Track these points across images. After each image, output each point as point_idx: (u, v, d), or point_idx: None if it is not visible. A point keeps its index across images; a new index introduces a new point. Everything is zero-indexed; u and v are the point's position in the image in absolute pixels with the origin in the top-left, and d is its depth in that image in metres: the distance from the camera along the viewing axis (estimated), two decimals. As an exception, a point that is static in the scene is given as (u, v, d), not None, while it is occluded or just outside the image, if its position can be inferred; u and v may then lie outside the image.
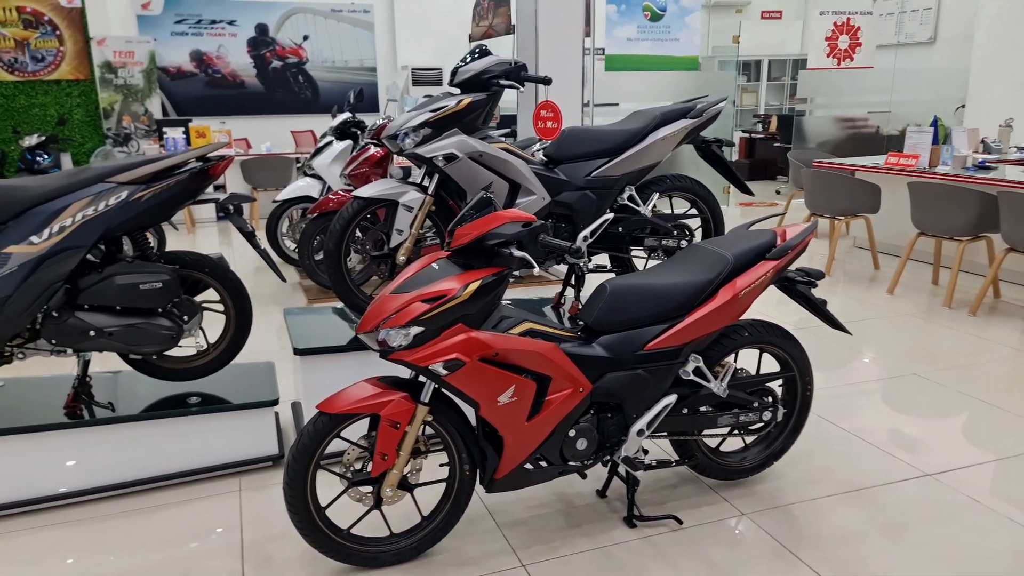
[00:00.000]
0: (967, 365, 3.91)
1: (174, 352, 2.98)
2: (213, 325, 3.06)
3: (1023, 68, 7.93)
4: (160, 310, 2.64)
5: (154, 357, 2.79)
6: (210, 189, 8.06)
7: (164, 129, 7.95)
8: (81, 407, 2.72)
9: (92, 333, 2.55)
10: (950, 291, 4.92)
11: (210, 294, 2.85)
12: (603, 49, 7.73)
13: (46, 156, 7.82)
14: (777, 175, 11.36)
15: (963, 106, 8.60)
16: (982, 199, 4.74)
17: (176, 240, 7.47)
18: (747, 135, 11.60)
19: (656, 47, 7.84)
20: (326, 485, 2.67)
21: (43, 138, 7.84)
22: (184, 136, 7.93)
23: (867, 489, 2.72)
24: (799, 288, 2.60)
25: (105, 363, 3.83)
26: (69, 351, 2.59)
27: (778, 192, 10.28)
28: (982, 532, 2.45)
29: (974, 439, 3.10)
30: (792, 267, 2.60)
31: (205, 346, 2.86)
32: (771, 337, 2.59)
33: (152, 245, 2.72)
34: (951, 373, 3.81)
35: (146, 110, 8.90)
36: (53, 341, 2.53)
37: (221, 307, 2.84)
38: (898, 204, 6.22)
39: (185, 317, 2.70)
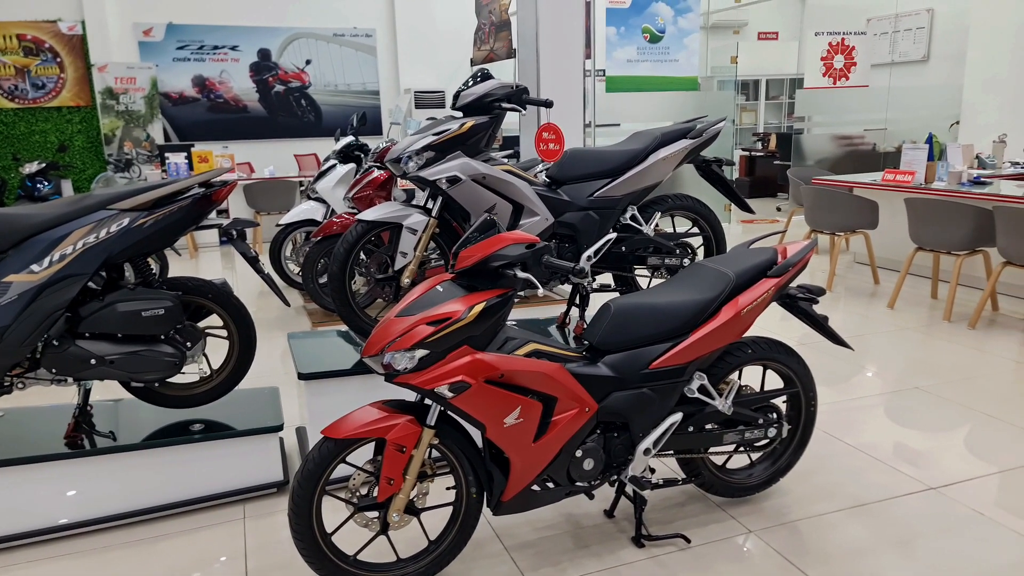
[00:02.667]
0: (968, 378, 3.91)
1: (177, 379, 2.98)
2: (217, 351, 3.06)
3: (1015, 84, 8.01)
4: (162, 337, 2.64)
5: (156, 384, 2.78)
6: (213, 214, 8.10)
7: (166, 154, 8.00)
8: (82, 437, 2.71)
9: (93, 361, 2.54)
10: (949, 305, 4.93)
11: (214, 320, 2.85)
12: (604, 71, 7.81)
13: (47, 183, 7.87)
14: (777, 192, 11.42)
15: (957, 122, 8.67)
16: (978, 214, 4.76)
17: (179, 265, 7.49)
18: (747, 153, 11.68)
19: (656, 68, 7.91)
20: (332, 511, 2.66)
21: (43, 165, 7.89)
22: (187, 161, 7.98)
23: (873, 504, 2.71)
24: (801, 305, 2.61)
25: (107, 392, 3.82)
26: (70, 380, 2.58)
27: (779, 209, 10.32)
28: (987, 545, 2.44)
29: (977, 452, 3.09)
30: (794, 284, 2.61)
31: (208, 372, 2.86)
32: (774, 354, 2.60)
33: (154, 271, 2.72)
34: (953, 386, 3.81)
35: (148, 136, 8.97)
36: (53, 370, 2.52)
37: (224, 333, 2.84)
38: (896, 220, 6.25)
39: (188, 343, 2.69)
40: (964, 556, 2.39)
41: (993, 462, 3.00)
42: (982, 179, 5.63)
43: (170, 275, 3.26)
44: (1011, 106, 8.07)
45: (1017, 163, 6.72)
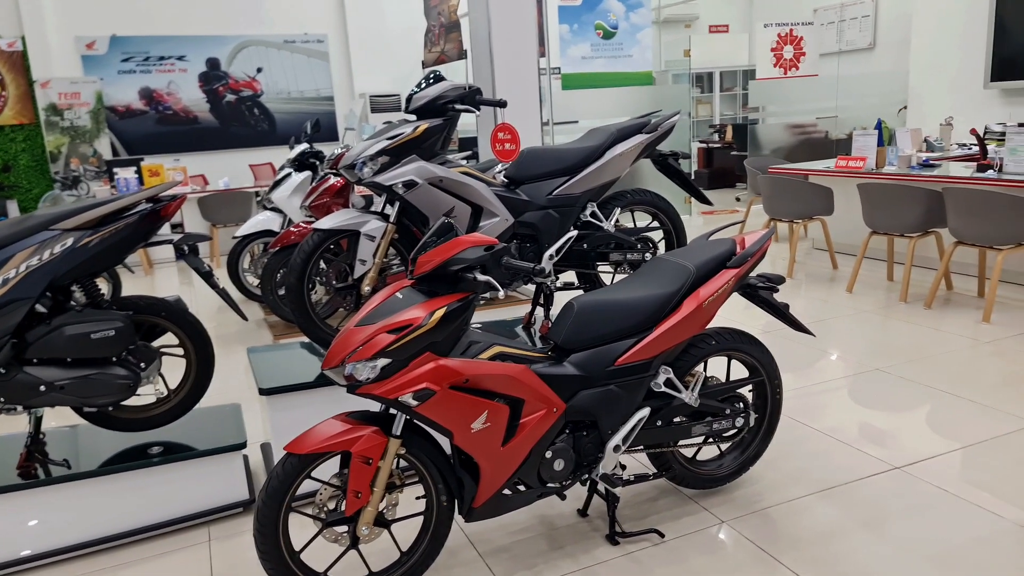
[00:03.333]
0: (927, 357, 3.99)
1: (132, 401, 2.89)
2: (174, 370, 2.97)
3: (959, 68, 8.24)
4: (114, 359, 2.55)
5: (110, 408, 2.69)
6: (167, 229, 7.92)
7: (115, 170, 7.79)
8: (35, 466, 2.61)
9: (43, 388, 2.44)
10: (905, 286, 5.04)
11: (169, 339, 2.77)
12: (559, 68, 7.83)
13: (-9, 204, 7.60)
14: (736, 183, 11.58)
15: (905, 107, 8.89)
16: (928, 196, 4.88)
17: (133, 283, 7.29)
18: (705, 145, 11.82)
19: (611, 64, 7.96)
20: (300, 528, 2.61)
21: (-13, 186, 7.62)
22: (136, 176, 7.78)
23: (840, 486, 2.75)
24: (761, 294, 2.63)
25: (59, 418, 3.70)
26: (19, 408, 2.48)
27: (738, 199, 10.46)
28: (952, 521, 2.49)
29: (938, 429, 3.16)
30: (754, 273, 2.63)
31: (165, 393, 2.77)
32: (738, 344, 2.61)
33: (104, 292, 2.63)
34: (912, 366, 3.89)
35: (95, 151, 8.72)
36: (1, 399, 2.42)
37: (181, 351, 2.76)
38: (851, 205, 6.37)
39: (142, 364, 2.61)
40: (931, 533, 2.43)
41: (955, 439, 3.07)
42: (931, 162, 5.77)
43: (123, 294, 3.16)
44: (956, 89, 8.30)
45: (964, 145, 6.91)
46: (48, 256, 2.40)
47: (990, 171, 5.07)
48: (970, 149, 6.64)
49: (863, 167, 5.83)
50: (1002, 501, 2.58)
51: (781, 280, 2.62)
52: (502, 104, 2.99)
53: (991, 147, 5.93)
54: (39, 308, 2.50)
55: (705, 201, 3.33)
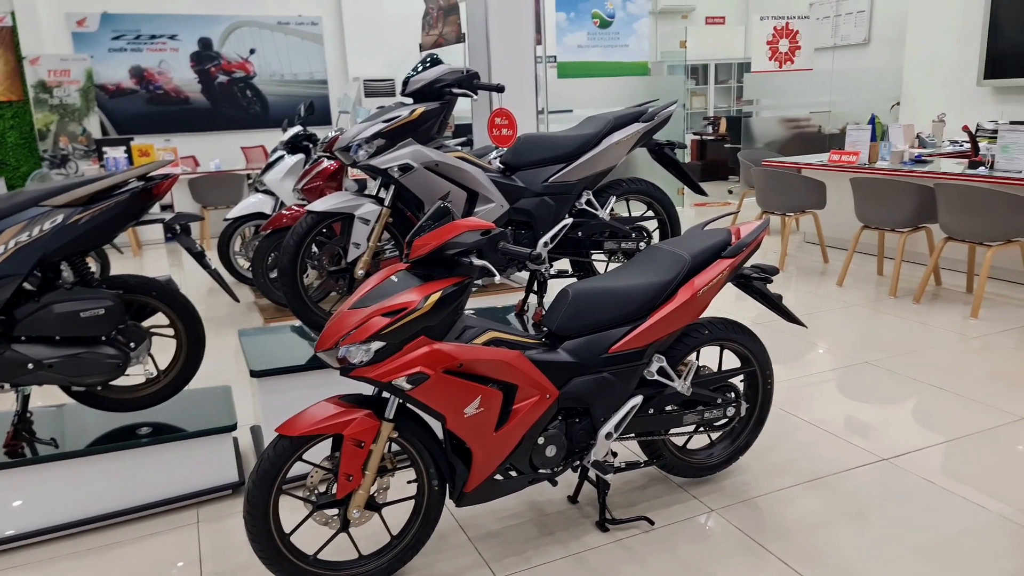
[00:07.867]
0: (915, 351, 4.03)
1: (121, 381, 2.87)
2: (165, 351, 2.95)
3: (952, 65, 8.26)
4: (104, 338, 2.52)
5: (99, 388, 2.67)
6: (156, 209, 7.84)
7: (104, 149, 7.70)
8: (22, 445, 2.58)
9: (30, 366, 2.42)
10: (894, 281, 5.08)
11: (160, 319, 2.74)
12: (555, 57, 7.79)
13: (-22, 182, 7.51)
14: (729, 175, 11.59)
15: (898, 103, 8.92)
16: (920, 191, 4.90)
17: (121, 263, 7.23)
18: (698, 137, 11.81)
19: (606, 53, 7.93)
20: (290, 510, 2.60)
21: (-26, 163, 7.52)
22: (126, 156, 7.69)
23: (828, 477, 2.77)
24: (755, 284, 2.63)
25: (47, 397, 3.67)
26: (6, 386, 2.46)
27: (730, 192, 10.48)
28: (937, 512, 2.51)
29: (925, 422, 3.18)
30: (748, 264, 2.64)
31: (155, 373, 2.75)
32: (731, 334, 2.62)
33: (93, 270, 2.60)
34: (900, 360, 3.92)
35: (84, 130, 8.62)
36: None
37: (171, 331, 2.74)
38: (843, 199, 6.40)
39: (132, 344, 2.58)
40: (916, 524, 2.46)
41: (941, 432, 3.10)
42: (923, 158, 5.79)
43: (112, 273, 3.13)
44: (949, 86, 8.33)
45: (956, 142, 6.94)
46: (38, 233, 2.37)
47: (981, 168, 5.10)
48: (962, 146, 6.68)
49: (856, 161, 5.84)
50: (986, 494, 2.61)
51: (775, 271, 2.62)
52: (500, 89, 2.97)
53: (983, 144, 5.96)
54: (27, 286, 2.48)
55: (700, 191, 3.33)
